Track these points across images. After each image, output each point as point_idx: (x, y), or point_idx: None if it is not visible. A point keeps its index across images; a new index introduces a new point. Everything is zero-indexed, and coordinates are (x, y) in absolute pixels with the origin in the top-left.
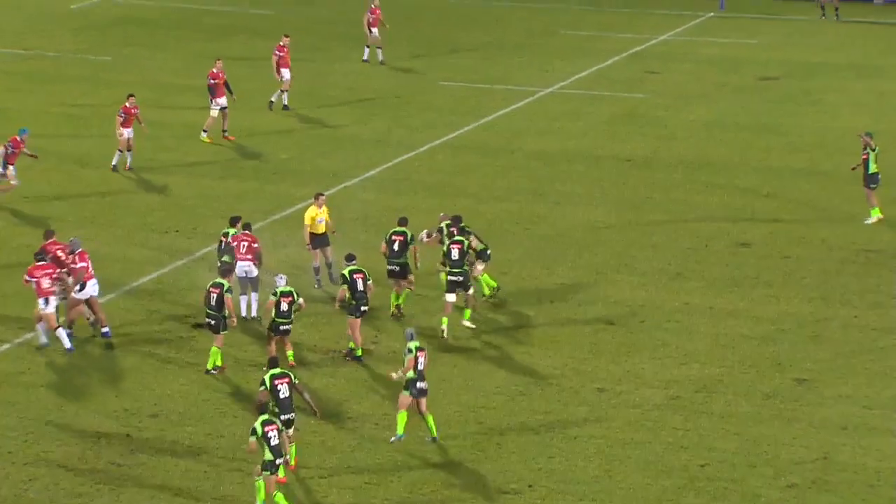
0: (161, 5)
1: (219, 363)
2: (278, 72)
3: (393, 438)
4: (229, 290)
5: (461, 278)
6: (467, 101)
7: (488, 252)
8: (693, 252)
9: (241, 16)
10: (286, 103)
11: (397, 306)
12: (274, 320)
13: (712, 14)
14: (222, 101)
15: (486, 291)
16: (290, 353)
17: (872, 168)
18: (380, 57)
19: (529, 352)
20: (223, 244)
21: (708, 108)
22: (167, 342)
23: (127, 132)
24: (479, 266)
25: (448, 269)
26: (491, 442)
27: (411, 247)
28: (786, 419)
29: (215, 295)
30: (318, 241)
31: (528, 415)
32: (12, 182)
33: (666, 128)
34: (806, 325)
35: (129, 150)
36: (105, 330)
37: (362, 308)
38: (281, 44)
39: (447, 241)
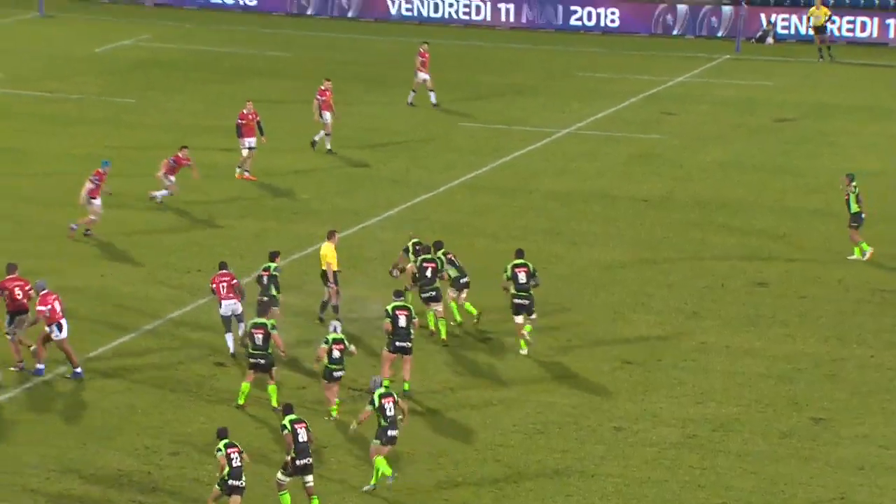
0: (182, 48)
1: (274, 403)
2: (320, 115)
3: (366, 487)
4: (274, 326)
5: (434, 293)
6: (486, 141)
7: (462, 280)
8: (709, 291)
9: (259, 58)
10: (329, 147)
11: (432, 332)
12: (327, 367)
13: (728, 56)
14: (251, 141)
15: (458, 318)
16: (337, 402)
17: (854, 208)
18: (433, 100)
19: (547, 390)
20: (264, 279)
21: (724, 148)
22: (188, 380)
23: (169, 181)
24: (453, 293)
25: (419, 286)
26: (509, 480)
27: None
28: (803, 458)
29: (260, 335)
30: (326, 276)
31: (546, 453)
32: (91, 217)
33: (682, 168)
34: (822, 364)
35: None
36: (77, 370)
37: (397, 344)
38: (323, 87)
39: (417, 260)
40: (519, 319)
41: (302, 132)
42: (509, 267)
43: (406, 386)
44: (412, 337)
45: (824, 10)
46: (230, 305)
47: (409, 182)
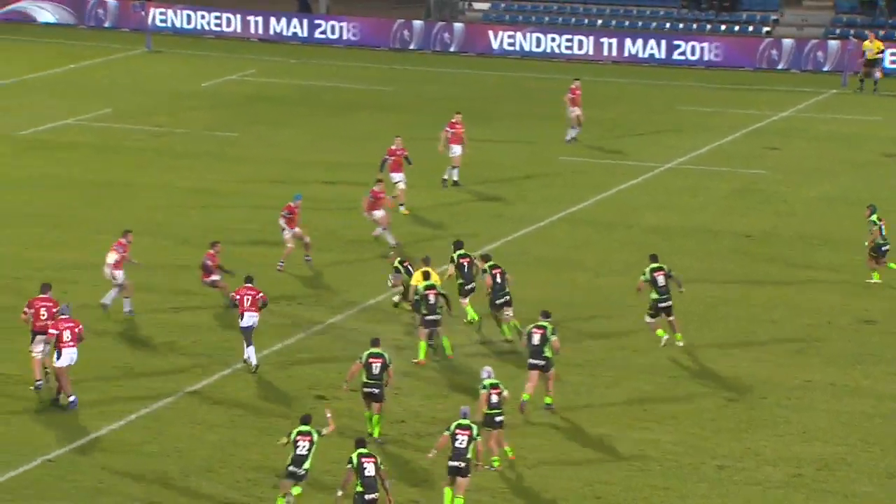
0: (287, 83)
1: (375, 433)
2: (448, 147)
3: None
4: (390, 360)
5: (507, 298)
6: (587, 176)
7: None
8: (814, 328)
9: (363, 92)
10: (456, 179)
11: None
12: (487, 414)
13: (834, 91)
14: (400, 175)
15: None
16: (508, 449)
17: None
18: (571, 135)
19: (649, 427)
20: (424, 298)
21: (829, 183)
22: (290, 413)
23: (378, 213)
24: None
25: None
26: None
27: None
28: None
29: (378, 365)
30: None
31: (648, 491)
32: (288, 245)
33: (786, 203)
34: None
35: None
36: (71, 399)
37: (531, 361)
38: (453, 120)
39: (486, 267)
40: (652, 320)
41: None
42: (647, 271)
43: (548, 399)
44: (545, 354)
45: (878, 43)
46: (252, 318)
47: (511, 216)
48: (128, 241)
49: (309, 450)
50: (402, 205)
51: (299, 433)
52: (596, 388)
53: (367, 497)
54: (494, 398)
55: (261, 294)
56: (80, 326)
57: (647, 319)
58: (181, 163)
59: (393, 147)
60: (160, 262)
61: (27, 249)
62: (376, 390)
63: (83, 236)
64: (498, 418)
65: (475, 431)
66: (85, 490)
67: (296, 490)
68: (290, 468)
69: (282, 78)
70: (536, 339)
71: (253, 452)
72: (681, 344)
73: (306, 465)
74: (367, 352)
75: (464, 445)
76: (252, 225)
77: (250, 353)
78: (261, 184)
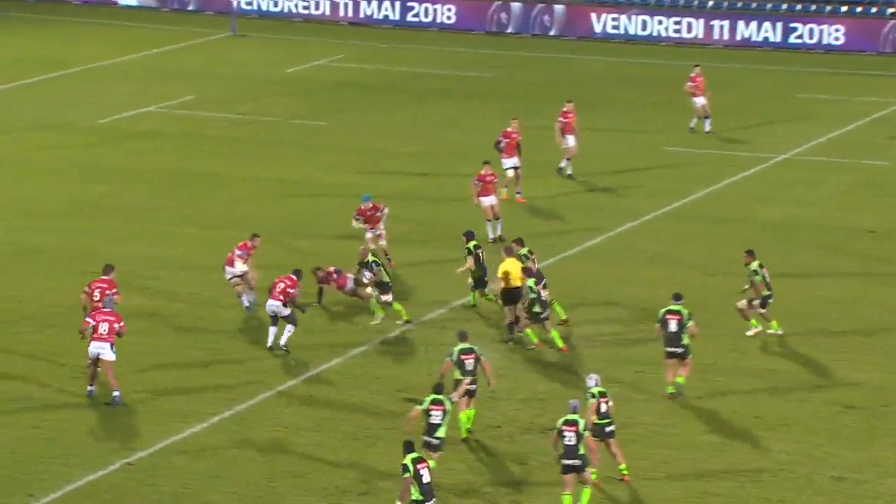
0: (376, 68)
1: (464, 434)
2: (562, 138)
3: None
4: (482, 353)
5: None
6: (695, 167)
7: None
8: None
9: (455, 78)
10: (570, 172)
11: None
12: (597, 424)
13: None
14: (513, 161)
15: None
16: (622, 466)
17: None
18: (706, 127)
19: (762, 435)
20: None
21: None
22: (376, 415)
23: (488, 200)
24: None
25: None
26: None
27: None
28: None
29: (471, 361)
30: (510, 296)
31: (759, 503)
32: (376, 244)
33: None
34: None
35: (496, 219)
36: (115, 394)
37: (668, 349)
38: (565, 109)
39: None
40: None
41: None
42: (756, 266)
43: (680, 379)
44: (683, 342)
45: None
46: (272, 305)
47: (613, 209)
48: (254, 245)
49: (442, 419)
50: (518, 192)
51: (432, 402)
52: (705, 394)
53: None
54: (604, 407)
55: (294, 290)
56: (122, 323)
57: (763, 311)
58: (265, 152)
59: (508, 129)
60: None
61: (106, 243)
62: (472, 387)
63: (164, 230)
64: (608, 428)
65: (582, 426)
66: (166, 495)
67: (432, 462)
68: (425, 438)
69: (371, 63)
70: (673, 325)
71: (340, 457)
72: (780, 332)
73: (439, 434)
74: (458, 348)
75: (574, 442)
76: (338, 219)
77: (270, 332)
78: (348, 174)
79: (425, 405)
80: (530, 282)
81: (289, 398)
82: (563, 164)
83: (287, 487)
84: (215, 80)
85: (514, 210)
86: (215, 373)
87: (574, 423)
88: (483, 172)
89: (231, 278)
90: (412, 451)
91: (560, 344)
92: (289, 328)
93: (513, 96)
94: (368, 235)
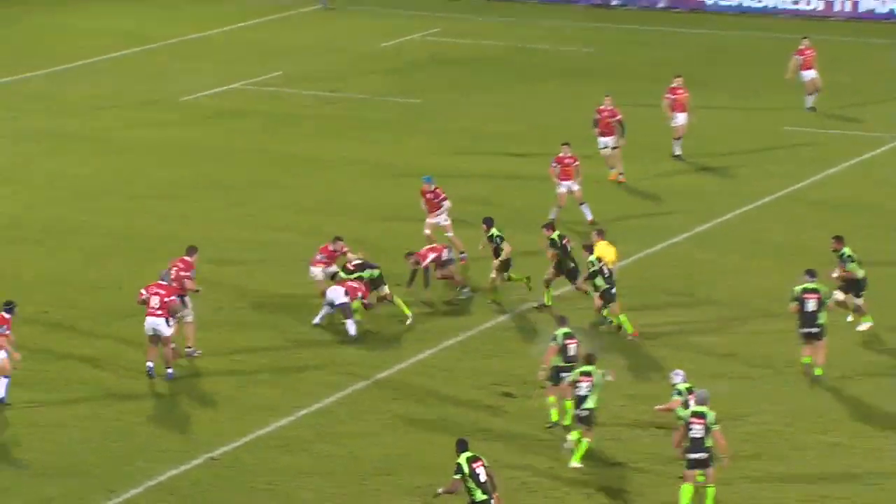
0: (472, 43)
1: (554, 417)
2: (671, 115)
3: None
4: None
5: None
6: (814, 148)
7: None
8: None
9: (558, 55)
10: (679, 152)
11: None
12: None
13: None
14: (606, 140)
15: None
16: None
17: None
18: (808, 103)
19: (883, 435)
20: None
21: None
22: (472, 410)
23: (565, 185)
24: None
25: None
26: None
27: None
28: None
29: (574, 346)
30: None
31: None
32: (434, 232)
33: None
34: None
35: (581, 204)
36: (168, 371)
37: (803, 330)
38: (673, 85)
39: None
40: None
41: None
42: (848, 252)
43: (818, 371)
44: (820, 321)
45: None
46: (335, 292)
47: (726, 192)
48: (336, 249)
49: (589, 390)
50: (621, 173)
51: (581, 373)
52: (824, 391)
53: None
54: (692, 404)
55: (360, 291)
56: (174, 298)
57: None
58: (357, 132)
59: (601, 107)
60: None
61: (192, 227)
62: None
63: (252, 214)
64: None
65: (711, 419)
66: (252, 491)
67: (574, 434)
68: (575, 411)
69: (468, 38)
70: (812, 304)
71: (433, 454)
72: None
73: (588, 405)
74: (562, 331)
75: (701, 435)
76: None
77: (324, 313)
78: (442, 156)
79: (573, 377)
80: (593, 256)
81: (379, 391)
82: (677, 147)
83: (378, 485)
84: (304, 55)
85: (616, 192)
86: (303, 364)
87: (702, 414)
88: (562, 154)
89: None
90: (466, 449)
91: (630, 329)
92: (350, 321)
93: (618, 73)
94: (429, 221)
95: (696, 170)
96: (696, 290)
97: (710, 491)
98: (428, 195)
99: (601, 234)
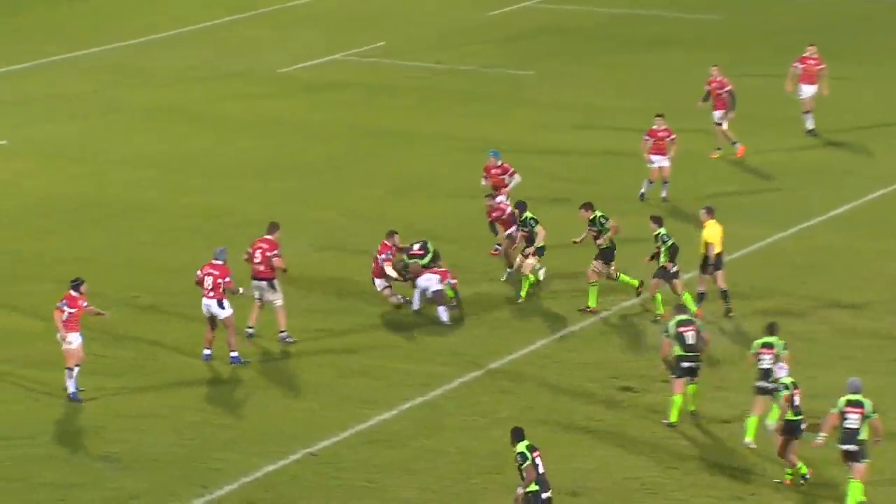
0: (590, 11)
1: (692, 406)
2: (795, 87)
3: None
4: (703, 327)
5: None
6: None
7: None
8: None
9: (680, 23)
10: (811, 127)
11: None
12: (788, 421)
13: None
14: (716, 115)
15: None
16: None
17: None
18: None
19: None
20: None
21: None
22: (586, 405)
23: (658, 161)
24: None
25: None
26: None
27: None
28: None
29: (691, 333)
30: (715, 262)
31: None
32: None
33: None
34: None
35: (664, 182)
36: (232, 355)
37: None
38: (805, 54)
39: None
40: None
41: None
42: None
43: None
44: None
45: None
46: (427, 280)
47: (864, 174)
48: (394, 243)
49: (772, 362)
50: (718, 148)
51: (763, 345)
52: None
53: (543, 496)
54: (797, 399)
55: (450, 275)
56: (229, 279)
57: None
58: (464, 107)
59: (711, 77)
60: (440, 226)
61: (282, 205)
62: (695, 364)
63: (348, 192)
64: (803, 425)
65: (869, 408)
66: (353, 489)
67: (773, 416)
68: (757, 384)
69: (583, 5)
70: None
71: (545, 452)
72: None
73: (778, 379)
74: (676, 320)
75: (856, 426)
76: (543, 180)
77: (420, 295)
78: (555, 132)
79: (754, 348)
80: (663, 230)
81: (487, 384)
82: (808, 121)
83: (485, 484)
84: (408, 24)
85: (734, 170)
86: (406, 354)
87: (859, 404)
88: (655, 127)
89: (383, 289)
90: (523, 437)
91: (693, 307)
92: (441, 309)
93: (746, 43)
94: (491, 202)
95: (830, 145)
96: (836, 277)
97: (856, 486)
98: (493, 171)
99: (710, 213)
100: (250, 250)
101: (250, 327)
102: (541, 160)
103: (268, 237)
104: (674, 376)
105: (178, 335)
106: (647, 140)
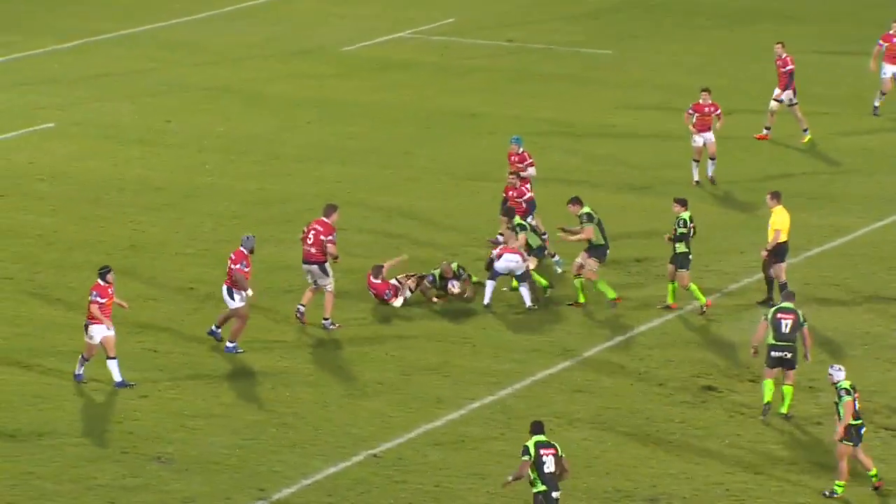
0: None
1: (785, 409)
2: (879, 67)
3: None
4: (805, 319)
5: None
6: None
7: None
8: None
9: None
10: (876, 105)
11: None
12: (850, 425)
13: None
14: (782, 94)
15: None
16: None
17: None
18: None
19: None
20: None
21: None
22: (666, 406)
23: (701, 138)
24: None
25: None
26: None
27: None
28: None
29: (789, 322)
30: (779, 251)
31: None
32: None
33: None
34: None
35: (711, 160)
36: (227, 345)
37: None
38: (891, 31)
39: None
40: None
41: (818, 94)
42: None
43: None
44: None
45: None
46: (508, 260)
47: None
48: (704, 101)
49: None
50: (767, 127)
51: (781, 310)
52: None
53: (553, 496)
54: (856, 404)
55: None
56: (239, 267)
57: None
58: (537, 88)
59: (778, 56)
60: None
61: (349, 191)
62: (788, 354)
63: (415, 177)
64: (862, 429)
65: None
66: (419, 493)
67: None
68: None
69: None
70: None
71: (622, 456)
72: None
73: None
74: (776, 307)
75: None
76: (619, 168)
77: (489, 287)
78: (635, 113)
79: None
80: (686, 213)
81: (561, 383)
82: (877, 102)
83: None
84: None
85: (823, 162)
86: (476, 351)
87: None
88: (701, 102)
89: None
90: (540, 432)
91: (703, 300)
92: (523, 287)
93: (839, 19)
94: (512, 179)
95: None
96: None
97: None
98: (513, 158)
99: (777, 198)
100: (305, 230)
101: (302, 305)
102: (619, 148)
103: (324, 220)
104: (765, 367)
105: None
106: (690, 114)
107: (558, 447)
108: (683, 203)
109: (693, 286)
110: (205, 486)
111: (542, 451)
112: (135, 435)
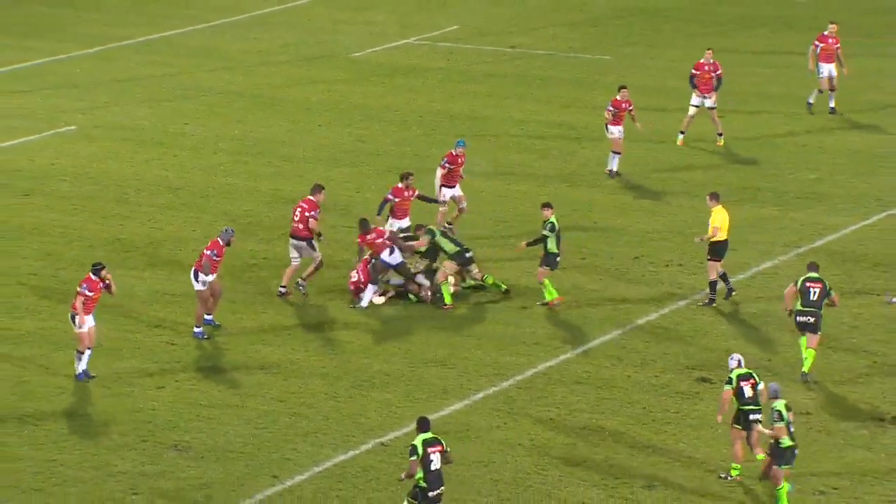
0: None
1: (806, 368)
2: (816, 66)
3: None
4: (831, 288)
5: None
6: None
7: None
8: None
9: (767, 3)
10: (832, 105)
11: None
12: (740, 409)
13: None
14: (703, 98)
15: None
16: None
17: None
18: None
19: None
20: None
21: None
22: (664, 397)
23: (617, 131)
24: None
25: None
26: None
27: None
28: None
29: (816, 290)
30: (720, 249)
31: None
32: (441, 209)
33: None
34: None
35: (617, 154)
36: (195, 330)
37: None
38: (825, 33)
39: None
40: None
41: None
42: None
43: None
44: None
45: None
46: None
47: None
48: (622, 98)
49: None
50: (721, 133)
51: (809, 279)
52: None
53: (430, 494)
54: (749, 391)
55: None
56: (208, 254)
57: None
58: (540, 92)
59: (702, 61)
60: (509, 211)
61: (358, 192)
62: (811, 319)
63: (424, 180)
64: (753, 416)
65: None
66: None
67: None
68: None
69: None
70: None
71: (621, 443)
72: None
73: None
74: (804, 277)
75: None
76: (620, 168)
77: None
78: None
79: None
80: (553, 217)
81: (561, 375)
82: (811, 98)
83: (560, 475)
84: (483, 6)
85: (818, 159)
86: (481, 345)
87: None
88: (619, 98)
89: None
90: (427, 429)
91: (553, 296)
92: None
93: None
94: (446, 194)
95: (851, 128)
96: None
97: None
98: (461, 160)
99: (716, 198)
100: (293, 208)
101: (301, 279)
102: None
103: (310, 198)
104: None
105: (248, 324)
106: (609, 111)
107: (444, 443)
108: (548, 206)
109: (546, 281)
110: (220, 473)
111: (429, 450)
112: (153, 424)
